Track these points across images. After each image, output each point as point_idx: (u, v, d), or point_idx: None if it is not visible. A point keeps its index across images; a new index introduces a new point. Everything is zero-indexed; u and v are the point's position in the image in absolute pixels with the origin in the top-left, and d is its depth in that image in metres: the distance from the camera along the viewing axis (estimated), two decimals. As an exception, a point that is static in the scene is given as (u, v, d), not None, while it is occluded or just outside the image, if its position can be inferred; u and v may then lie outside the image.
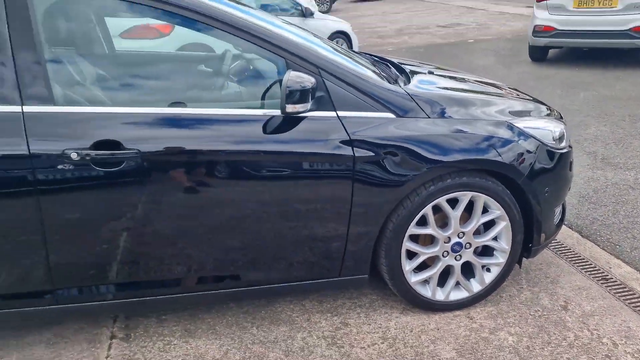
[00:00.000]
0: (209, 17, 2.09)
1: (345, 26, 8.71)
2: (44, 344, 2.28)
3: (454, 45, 10.96)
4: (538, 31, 8.19)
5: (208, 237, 2.14)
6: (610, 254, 3.05)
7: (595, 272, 2.84)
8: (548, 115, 2.67)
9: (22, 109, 1.88)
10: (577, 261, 2.95)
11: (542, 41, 8.20)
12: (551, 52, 8.75)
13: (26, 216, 1.92)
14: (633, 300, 2.58)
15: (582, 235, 3.27)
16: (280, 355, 2.22)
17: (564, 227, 3.35)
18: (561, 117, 2.76)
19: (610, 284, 2.73)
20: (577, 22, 7.78)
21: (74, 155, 1.89)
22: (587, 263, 2.93)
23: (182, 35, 4.60)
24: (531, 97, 2.91)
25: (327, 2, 20.04)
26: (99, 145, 1.92)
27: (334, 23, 8.79)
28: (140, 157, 1.95)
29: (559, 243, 3.14)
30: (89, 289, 2.10)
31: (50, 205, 1.92)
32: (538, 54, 8.55)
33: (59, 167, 1.89)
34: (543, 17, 8.09)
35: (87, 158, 1.90)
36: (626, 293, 2.65)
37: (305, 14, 8.34)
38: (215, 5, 2.15)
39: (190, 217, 2.09)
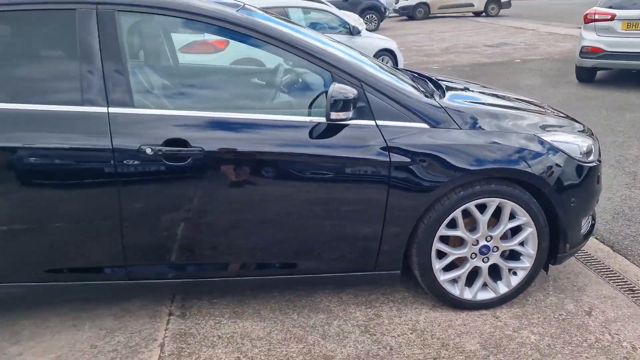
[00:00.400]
0: (265, 35, 2.39)
1: (391, 44, 8.97)
2: (112, 316, 2.61)
3: (500, 64, 11.03)
4: (585, 52, 8.21)
5: (258, 228, 2.41)
6: (640, 267, 3.14)
7: (623, 283, 2.95)
8: (581, 131, 2.83)
9: (108, 111, 2.22)
10: (605, 273, 3.06)
11: (590, 62, 8.21)
12: (599, 73, 8.72)
13: (107, 200, 2.25)
14: (658, 311, 2.69)
15: (613, 250, 3.37)
16: (317, 338, 2.45)
17: (595, 240, 3.46)
18: (592, 134, 2.91)
19: (636, 294, 2.84)
20: (625, 44, 7.77)
21: (148, 151, 2.21)
22: (616, 275, 3.04)
23: (235, 50, 4.98)
24: (564, 114, 3.07)
25: (375, 20, 20.40)
26: (169, 142, 2.23)
27: (380, 41, 9.06)
28: (204, 154, 2.26)
29: (589, 255, 3.26)
30: (153, 268, 2.41)
31: (127, 192, 2.25)
32: (585, 75, 8.54)
33: (136, 160, 2.22)
34: (591, 38, 8.11)
35: (159, 153, 2.22)
36: (652, 304, 2.75)
37: (353, 32, 8.65)
38: (271, 25, 2.46)
39: (243, 210, 2.37)
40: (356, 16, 15.56)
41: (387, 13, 22.22)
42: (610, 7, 8.01)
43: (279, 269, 2.53)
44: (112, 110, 2.23)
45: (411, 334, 2.49)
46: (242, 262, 2.49)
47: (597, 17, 8.06)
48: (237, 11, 2.49)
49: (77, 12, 2.26)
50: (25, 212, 2.26)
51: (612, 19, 7.88)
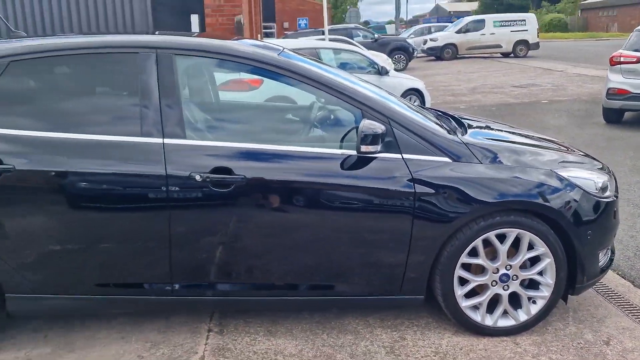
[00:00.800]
0: (303, 76, 2.67)
1: (418, 84, 9.25)
2: (156, 331, 2.83)
3: (527, 105, 11.19)
4: (612, 94, 8.33)
5: (292, 252, 2.63)
6: (660, 302, 3.22)
7: (642, 315, 3.04)
8: (599, 169, 3.00)
9: (163, 142, 2.51)
10: (625, 306, 3.15)
11: (616, 104, 8.32)
12: (626, 114, 8.80)
13: (158, 222, 2.50)
14: (676, 343, 2.77)
15: (634, 285, 3.46)
16: (345, 356, 2.62)
17: (617, 276, 3.56)
18: (609, 171, 3.06)
19: (655, 327, 2.92)
20: (652, 86, 7.88)
21: (197, 177, 2.48)
22: (635, 309, 3.13)
23: (269, 88, 5.31)
24: (583, 152, 3.24)
25: (404, 60, 20.87)
26: (215, 170, 2.49)
27: (407, 81, 9.36)
28: (246, 181, 2.50)
29: (610, 289, 3.35)
30: (196, 286, 2.64)
31: (177, 215, 2.51)
32: (612, 116, 8.64)
33: (186, 186, 2.48)
34: (617, 80, 8.25)
35: (207, 180, 2.48)
36: (669, 336, 2.83)
37: (381, 72, 8.98)
38: (308, 67, 2.74)
39: (279, 234, 2.60)
40: (385, 56, 16.01)
41: (415, 53, 22.71)
42: (636, 50, 8.17)
43: (310, 291, 2.72)
44: (166, 141, 2.51)
45: (434, 356, 2.64)
46: (277, 283, 2.69)
47: (622, 59, 8.22)
48: (278, 55, 2.78)
49: (139, 55, 2.58)
50: (85, 230, 2.53)
51: (637, 62, 8.03)
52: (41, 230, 2.52)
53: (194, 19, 10.31)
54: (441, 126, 2.90)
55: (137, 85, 2.55)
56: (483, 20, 24.44)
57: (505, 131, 3.31)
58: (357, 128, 2.65)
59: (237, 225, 2.56)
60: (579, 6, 53.14)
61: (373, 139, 2.50)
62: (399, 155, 2.62)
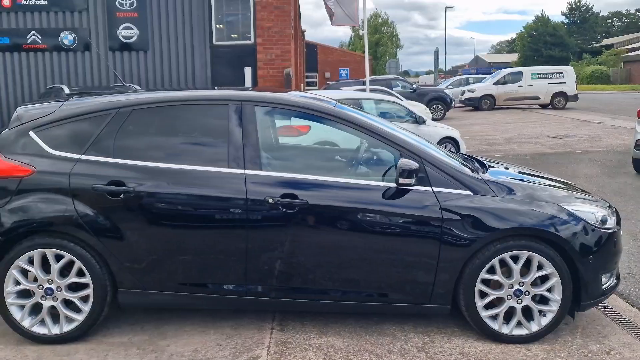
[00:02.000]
0: (354, 124, 3.40)
1: (453, 133, 9.90)
2: (229, 327, 3.49)
3: (561, 155, 11.63)
4: (640, 145, 8.76)
5: (341, 265, 3.27)
6: (663, 326, 3.67)
7: (643, 335, 3.50)
8: (601, 205, 3.56)
9: (245, 172, 3.24)
10: (629, 327, 3.62)
11: (645, 154, 8.72)
12: (658, 166, 9.14)
13: (239, 233, 3.21)
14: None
15: (640, 310, 3.92)
16: (384, 352, 3.20)
17: (626, 303, 4.03)
18: (611, 207, 3.61)
19: (654, 344, 3.38)
20: (677, 138, 8.28)
21: (270, 200, 3.18)
22: (638, 329, 3.59)
23: (315, 134, 6.08)
24: (589, 193, 3.80)
25: (442, 110, 21.60)
26: (284, 195, 3.19)
27: (443, 130, 10.03)
28: (307, 205, 3.19)
29: (617, 313, 3.82)
30: (265, 289, 3.30)
31: (253, 229, 3.20)
32: (642, 166, 9.02)
33: (262, 207, 3.19)
34: (645, 132, 8.68)
35: (278, 203, 3.18)
36: (665, 350, 3.29)
37: (419, 121, 9.69)
38: (358, 116, 3.46)
39: (332, 249, 3.26)
40: (423, 106, 16.77)
41: (453, 103, 23.41)
42: (662, 105, 8.61)
43: (356, 298, 3.34)
44: (247, 171, 3.24)
45: (458, 354, 3.19)
46: (330, 290, 3.33)
47: (649, 113, 8.67)
48: (334, 106, 3.51)
49: (229, 106, 3.36)
50: (182, 240, 3.26)
51: (663, 115, 8.46)
52: (149, 239, 3.26)
53: (248, 71, 11.40)
54: (465, 166, 3.54)
55: (226, 128, 3.32)
56: (521, 73, 25.07)
57: (521, 172, 3.92)
58: (396, 165, 3.32)
59: (299, 240, 3.24)
60: (622, 58, 53.16)
61: (409, 173, 3.17)
62: (429, 188, 3.27)
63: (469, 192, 3.28)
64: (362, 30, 10.86)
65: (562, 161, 10.73)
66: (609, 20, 76.97)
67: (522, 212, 3.26)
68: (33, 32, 11.07)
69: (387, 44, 60.33)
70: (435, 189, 3.27)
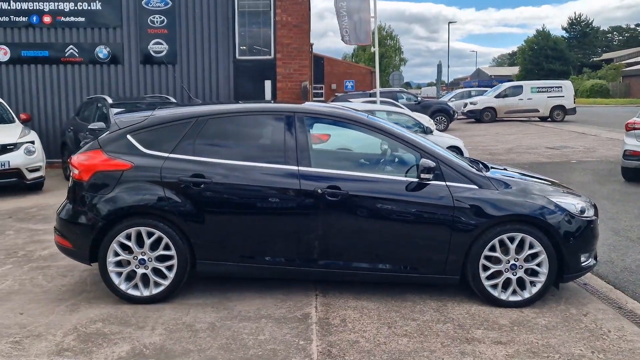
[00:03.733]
0: (384, 132, 4.28)
1: (458, 142, 10.79)
2: (281, 293, 4.35)
3: (557, 164, 12.50)
4: (628, 155, 9.64)
5: (375, 242, 4.14)
6: (632, 297, 4.52)
7: (615, 304, 4.34)
8: (582, 199, 4.42)
9: (298, 168, 4.12)
10: (605, 299, 4.46)
11: (632, 164, 9.60)
12: (646, 173, 9.99)
13: (294, 217, 4.09)
14: (635, 320, 4.05)
15: (615, 287, 4.77)
16: (408, 311, 4.06)
17: (604, 282, 4.87)
18: (590, 201, 4.48)
19: (622, 309, 4.23)
20: (662, 148, 9.14)
21: (319, 191, 4.06)
22: (612, 300, 4.43)
23: (334, 142, 6.96)
24: (579, 193, 4.65)
25: (445, 121, 22.52)
26: (330, 187, 4.07)
27: (449, 139, 10.93)
28: (348, 195, 4.07)
29: (596, 289, 4.66)
30: (311, 261, 4.17)
31: (305, 213, 4.07)
32: (630, 175, 9.89)
33: (312, 196, 4.06)
34: (632, 143, 9.57)
35: (325, 193, 4.05)
36: (631, 315, 4.13)
37: (426, 131, 10.58)
38: (387, 125, 4.34)
39: (367, 229, 4.13)
40: (427, 118, 17.65)
41: (456, 115, 24.35)
42: (648, 118, 9.49)
43: (385, 270, 4.20)
44: (300, 168, 4.12)
45: (466, 314, 4.04)
46: (365, 262, 4.19)
47: (636, 126, 9.57)
48: (367, 117, 4.40)
49: (284, 116, 4.25)
50: (248, 221, 4.13)
51: (649, 128, 9.33)
52: (221, 220, 4.13)
53: (268, 84, 12.32)
54: (472, 166, 4.42)
55: (283, 133, 4.20)
56: (521, 86, 26.04)
57: (516, 172, 4.80)
58: (417, 165, 4.19)
59: (340, 223, 4.12)
60: (621, 72, 54.16)
61: (428, 170, 4.05)
62: (443, 183, 4.14)
63: (474, 186, 4.15)
64: (374, 48, 11.77)
65: (557, 170, 11.58)
66: (609, 35, 78.25)
67: (517, 202, 4.13)
68: (71, 46, 12.01)
69: (392, 57, 61.40)
70: (448, 183, 4.14)
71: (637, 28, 77.53)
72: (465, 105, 26.62)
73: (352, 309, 4.10)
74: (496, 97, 25.81)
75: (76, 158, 4.31)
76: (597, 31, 71.92)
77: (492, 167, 4.67)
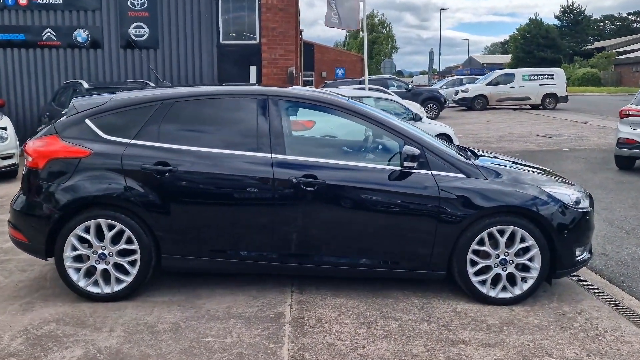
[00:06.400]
0: (365, 117, 3.97)
1: (448, 130, 10.49)
2: (255, 290, 4.05)
3: (549, 152, 12.25)
4: (622, 143, 9.39)
5: (353, 236, 3.83)
6: (628, 293, 4.26)
7: (610, 301, 4.08)
8: (576, 189, 4.13)
9: (271, 156, 3.79)
10: (600, 295, 4.19)
11: (626, 152, 9.36)
12: (638, 162, 9.77)
13: (266, 208, 3.77)
14: (632, 318, 3.79)
15: (610, 282, 4.50)
16: (389, 310, 3.77)
17: (598, 276, 4.61)
18: (585, 191, 4.19)
19: (618, 307, 3.97)
20: (656, 136, 8.90)
21: (293, 180, 3.74)
22: (607, 296, 4.17)
23: (319, 128, 6.64)
24: (573, 182, 4.36)
25: (435, 109, 22.21)
26: (305, 175, 3.75)
27: (438, 127, 10.62)
28: (325, 184, 3.75)
29: (590, 284, 4.40)
30: (286, 255, 3.86)
31: (278, 204, 3.76)
32: (623, 163, 9.65)
33: (286, 185, 3.74)
34: (626, 131, 9.32)
35: (300, 182, 3.73)
36: (628, 313, 3.87)
37: (415, 118, 10.27)
38: (368, 110, 4.02)
39: (345, 221, 3.82)
40: (418, 105, 17.34)
41: (447, 103, 24.05)
42: (643, 105, 9.24)
43: (366, 264, 3.90)
44: (273, 155, 3.80)
45: (452, 312, 3.76)
46: (342, 257, 3.89)
47: (631, 113, 9.32)
48: (347, 101, 4.08)
49: (256, 99, 3.91)
50: (216, 213, 3.81)
51: (643, 115, 9.08)
52: (188, 212, 3.80)
53: (252, 69, 11.94)
54: (459, 154, 4.11)
55: (255, 118, 3.87)
56: (513, 74, 25.76)
57: (507, 160, 4.50)
58: (400, 152, 3.89)
59: (317, 214, 3.80)
60: (612, 61, 54.06)
61: (412, 158, 3.73)
62: (428, 172, 3.84)
63: (462, 175, 3.85)
64: (363, 32, 11.40)
65: (549, 158, 11.34)
66: (601, 24, 78.03)
67: (508, 192, 3.83)
68: (48, 29, 11.55)
69: (383, 44, 60.90)
70: (434, 172, 3.84)
71: (629, 17, 77.40)
72: (457, 93, 26.32)
73: (330, 307, 3.80)
74: (487, 84, 25.53)
75: (31, 144, 3.96)
76: (589, 20, 71.58)
77: (481, 155, 4.37)
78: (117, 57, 11.72)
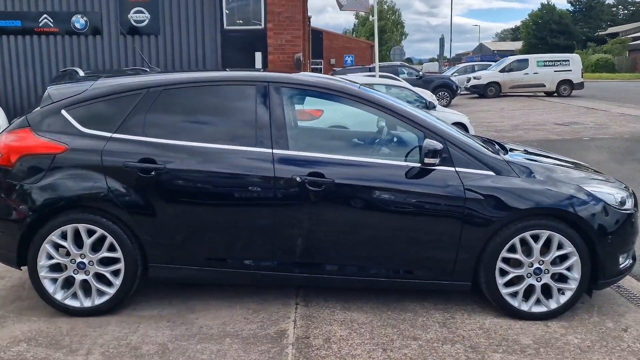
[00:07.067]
0: (379, 105, 3.47)
1: (463, 118, 9.94)
2: (254, 302, 3.59)
3: (569, 141, 11.67)
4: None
5: (366, 241, 3.36)
6: (676, 305, 3.76)
7: (658, 313, 3.59)
8: (620, 187, 3.62)
9: (272, 151, 3.31)
10: (645, 306, 3.71)
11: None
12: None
13: (267, 210, 3.29)
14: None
15: (654, 291, 4.00)
16: (407, 326, 3.30)
17: (638, 282, 4.10)
18: (628, 189, 3.68)
19: (668, 321, 3.47)
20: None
21: (297, 179, 3.26)
22: (654, 308, 3.68)
23: (327, 118, 6.15)
24: (612, 178, 3.85)
25: (447, 97, 21.59)
26: (311, 174, 3.27)
27: (452, 115, 10.08)
28: (334, 184, 3.27)
29: (634, 294, 3.90)
30: (289, 264, 3.39)
31: (281, 206, 3.28)
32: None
33: (290, 185, 3.26)
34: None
35: (305, 181, 3.25)
36: (679, 327, 3.38)
37: (429, 106, 9.74)
38: (381, 98, 3.53)
39: (357, 226, 3.34)
40: (429, 93, 16.76)
41: (459, 91, 23.41)
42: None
43: (380, 274, 3.42)
44: (275, 151, 3.32)
45: (479, 329, 3.28)
46: (355, 266, 3.41)
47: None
48: (358, 88, 3.58)
49: (256, 87, 3.43)
50: (211, 216, 3.34)
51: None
52: (178, 215, 3.34)
53: (258, 56, 11.40)
54: (486, 147, 3.61)
55: (254, 108, 3.39)
56: (527, 60, 24.99)
57: (540, 154, 3.98)
58: (419, 147, 3.40)
59: (325, 218, 3.33)
60: (627, 47, 52.82)
61: (433, 154, 3.24)
62: (452, 169, 3.34)
63: (491, 173, 3.36)
64: (373, 17, 10.84)
65: (570, 147, 10.77)
66: (614, 9, 76.30)
67: (543, 192, 3.33)
68: (45, 15, 11.07)
69: (393, 31, 59.98)
70: (458, 169, 3.34)
71: (644, 1, 75.53)
72: (469, 80, 25.60)
73: (339, 323, 3.34)
74: (500, 71, 24.78)
75: (2, 139, 3.50)
76: (603, 5, 70.02)
77: (510, 149, 3.86)
78: (117, 43, 11.25)
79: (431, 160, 3.26)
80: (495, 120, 15.91)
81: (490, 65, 28.26)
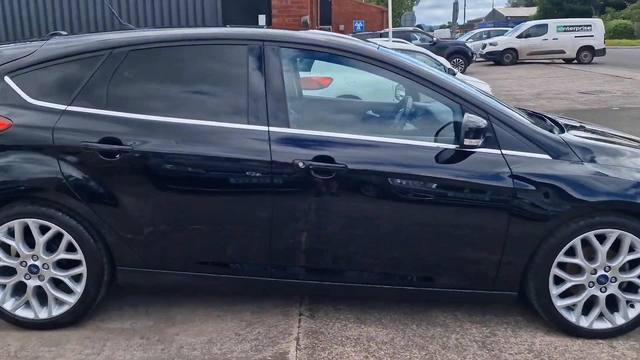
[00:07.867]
0: (403, 70, 2.73)
1: (485, 87, 9.09)
2: (249, 312, 2.94)
3: (597, 111, 10.82)
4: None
5: (387, 241, 2.67)
6: None
7: None
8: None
9: (269, 129, 2.61)
10: None
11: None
12: None
13: (261, 204, 2.60)
14: None
15: None
16: (438, 348, 2.64)
17: None
18: None
19: None
20: None
21: (300, 164, 2.56)
22: None
23: (337, 87, 5.41)
24: None
25: (462, 64, 20.57)
26: (317, 158, 2.57)
27: (474, 83, 9.23)
28: (347, 170, 2.57)
29: None
30: (291, 269, 2.72)
31: (279, 199, 2.60)
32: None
33: (289, 171, 2.57)
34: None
35: (310, 167, 2.56)
36: None
37: (448, 73, 8.91)
38: (406, 62, 2.78)
39: (376, 223, 2.65)
40: (444, 60, 15.85)
41: (474, 57, 22.35)
42: None
43: (403, 282, 2.75)
44: (272, 129, 2.61)
45: (528, 353, 2.62)
46: (373, 270, 2.74)
47: None
48: (378, 49, 2.83)
49: (247, 47, 2.69)
50: (192, 209, 2.66)
51: None
52: (152, 208, 2.67)
53: (262, 18, 10.56)
54: (538, 124, 2.88)
55: (246, 73, 2.66)
56: (546, 25, 23.76)
57: (600, 132, 3.24)
58: (454, 122, 2.68)
59: (335, 213, 2.63)
60: (646, 12, 50.86)
61: (476, 133, 2.52)
62: (497, 151, 2.62)
63: (546, 156, 2.63)
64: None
65: (599, 118, 9.92)
66: (635, -28, 73.41)
67: (612, 181, 2.62)
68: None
69: (404, -4, 58.14)
70: (505, 151, 2.62)
71: (666, -37, 72.50)
72: (484, 46, 24.44)
73: (353, 342, 2.68)
74: (518, 37, 23.59)
75: None
76: (623, -33, 67.30)
77: (567, 125, 3.11)
78: (108, 2, 10.42)
79: (473, 142, 2.53)
80: (514, 89, 15.01)
81: (507, 30, 27.02)
